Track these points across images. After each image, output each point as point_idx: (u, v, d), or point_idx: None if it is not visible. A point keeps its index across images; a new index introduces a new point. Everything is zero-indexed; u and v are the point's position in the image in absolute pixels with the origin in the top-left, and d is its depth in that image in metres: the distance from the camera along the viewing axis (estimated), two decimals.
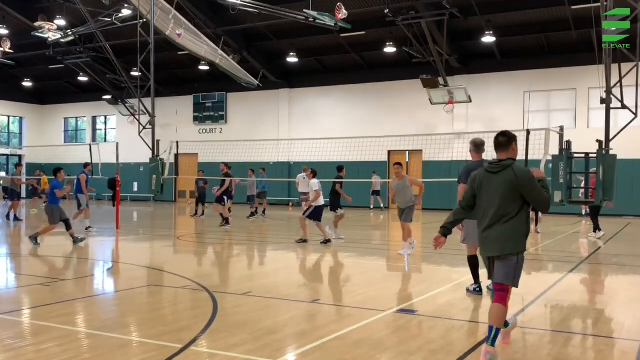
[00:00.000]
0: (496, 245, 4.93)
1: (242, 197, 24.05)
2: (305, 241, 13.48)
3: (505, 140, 5.08)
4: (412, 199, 11.82)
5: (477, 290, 7.69)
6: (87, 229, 15.91)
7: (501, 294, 4.90)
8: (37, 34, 27.33)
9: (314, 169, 14.25)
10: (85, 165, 17.50)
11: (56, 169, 14.28)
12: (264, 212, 22.72)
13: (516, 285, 4.97)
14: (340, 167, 15.20)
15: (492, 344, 4.77)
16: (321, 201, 13.59)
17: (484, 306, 7.19)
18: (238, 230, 18.05)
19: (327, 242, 13.39)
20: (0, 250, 13.11)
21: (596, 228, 15.63)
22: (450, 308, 7.01)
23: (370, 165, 27.03)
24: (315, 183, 13.53)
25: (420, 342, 5.51)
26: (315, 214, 13.45)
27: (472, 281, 7.81)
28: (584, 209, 23.27)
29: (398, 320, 6.40)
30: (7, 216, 19.85)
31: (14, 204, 20.18)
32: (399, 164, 11.84)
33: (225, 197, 18.09)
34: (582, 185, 15.33)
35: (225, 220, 17.59)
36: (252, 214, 21.75)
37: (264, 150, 29.41)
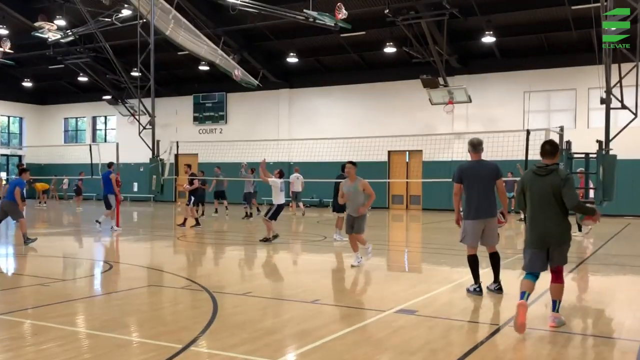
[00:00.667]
0: (557, 238, 6.06)
1: (236, 196, 24.07)
2: (275, 236, 13.69)
3: (551, 148, 6.16)
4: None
5: (477, 291, 7.68)
6: (97, 222, 16.29)
7: (560, 274, 6.20)
8: (37, 34, 27.35)
9: (282, 170, 14.59)
10: (110, 164, 17.28)
11: (23, 169, 14.09)
12: (257, 210, 22.79)
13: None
14: (344, 166, 14.97)
15: (557, 311, 6.17)
16: (281, 200, 13.69)
17: (484, 306, 7.20)
18: (237, 230, 18.06)
19: (266, 240, 13.57)
20: (0, 250, 13.11)
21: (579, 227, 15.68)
22: (450, 308, 7.01)
23: (371, 165, 27.03)
24: (277, 182, 13.70)
25: (420, 342, 5.51)
26: (275, 214, 13.61)
27: (472, 281, 7.80)
28: None
29: (398, 320, 6.39)
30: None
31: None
32: (352, 163, 10.54)
33: (193, 198, 18.04)
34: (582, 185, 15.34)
35: (183, 222, 17.65)
36: (248, 215, 21.71)
37: (263, 150, 29.36)
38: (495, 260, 7.73)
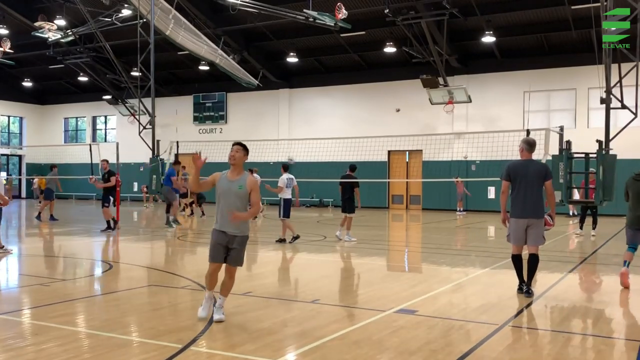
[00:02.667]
0: None
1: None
2: (296, 237, 13.76)
3: None
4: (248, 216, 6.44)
5: (526, 291, 7.58)
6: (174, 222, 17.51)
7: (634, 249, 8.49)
8: (37, 34, 27.36)
9: (286, 165, 14.74)
10: (175, 162, 18.26)
11: (176, 161, 17.74)
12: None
13: None
14: (353, 166, 14.75)
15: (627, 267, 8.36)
16: (286, 195, 13.81)
17: (484, 306, 7.19)
18: None
19: (281, 241, 13.71)
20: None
21: (581, 226, 16.22)
22: (450, 308, 7.01)
23: (371, 165, 27.04)
24: (283, 179, 13.82)
25: (420, 342, 5.51)
26: (285, 210, 13.76)
27: (517, 281, 7.74)
28: (572, 210, 23.33)
29: (398, 320, 6.39)
30: (52, 217, 20.15)
31: (52, 203, 20.39)
32: (240, 144, 6.40)
33: (112, 198, 16.45)
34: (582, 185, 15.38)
35: (108, 225, 16.15)
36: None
37: (264, 150, 29.40)
38: (532, 263, 7.57)
